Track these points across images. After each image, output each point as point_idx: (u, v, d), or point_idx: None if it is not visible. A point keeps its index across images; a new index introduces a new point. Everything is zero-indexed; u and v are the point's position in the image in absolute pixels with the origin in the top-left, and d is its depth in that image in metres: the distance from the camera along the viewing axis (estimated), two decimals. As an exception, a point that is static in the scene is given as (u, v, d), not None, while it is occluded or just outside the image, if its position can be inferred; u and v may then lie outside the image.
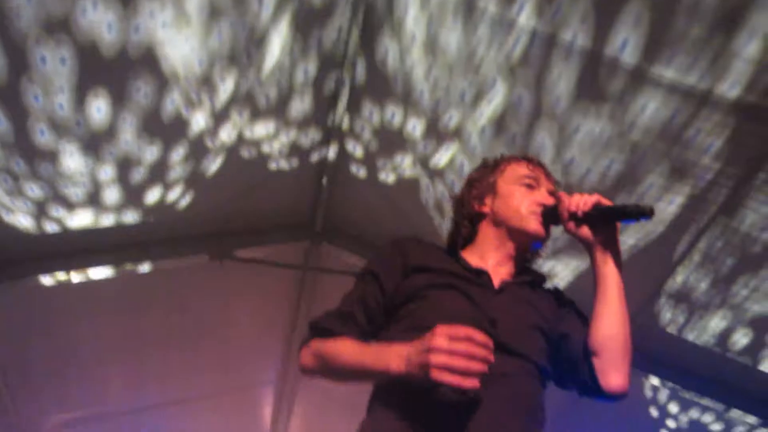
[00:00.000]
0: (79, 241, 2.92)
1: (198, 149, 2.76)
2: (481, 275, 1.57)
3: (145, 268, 3.26)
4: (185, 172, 2.84)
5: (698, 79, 2.16)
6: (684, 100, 2.24)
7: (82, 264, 3.06)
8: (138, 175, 2.72)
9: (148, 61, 2.30)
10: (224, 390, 4.39)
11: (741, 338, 2.85)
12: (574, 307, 1.63)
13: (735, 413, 3.17)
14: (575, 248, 2.87)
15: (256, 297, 3.81)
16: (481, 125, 2.68)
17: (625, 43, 2.18)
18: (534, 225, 1.60)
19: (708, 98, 2.19)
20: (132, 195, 2.80)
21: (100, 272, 3.14)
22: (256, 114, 2.77)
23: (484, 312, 1.46)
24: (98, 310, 3.33)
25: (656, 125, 2.35)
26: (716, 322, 2.85)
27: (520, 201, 1.64)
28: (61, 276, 3.04)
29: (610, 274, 1.49)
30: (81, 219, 2.80)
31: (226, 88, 2.58)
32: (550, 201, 1.62)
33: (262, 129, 2.86)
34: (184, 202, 3.00)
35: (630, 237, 2.70)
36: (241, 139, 2.85)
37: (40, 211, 2.66)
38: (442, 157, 2.91)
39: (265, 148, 2.97)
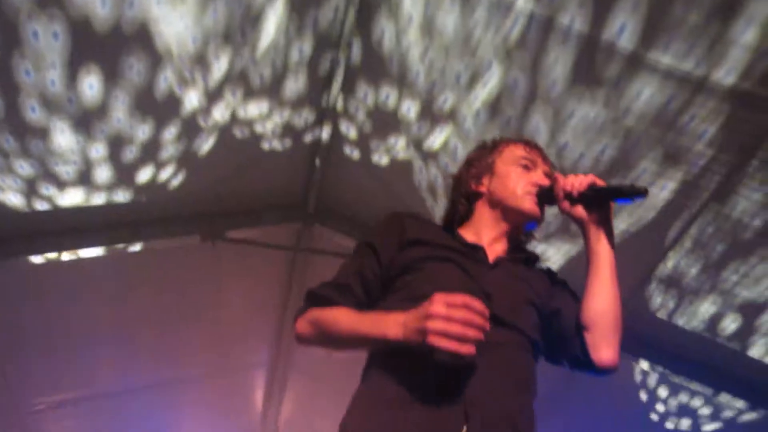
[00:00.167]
0: (69, 219, 2.90)
1: (190, 128, 2.74)
2: (477, 250, 1.59)
3: (136, 247, 3.24)
4: (177, 152, 2.82)
5: (694, 66, 2.17)
6: (679, 86, 2.24)
7: (73, 243, 3.04)
8: (130, 153, 2.69)
9: (142, 37, 2.27)
10: (216, 371, 4.39)
11: (730, 324, 2.88)
12: (566, 285, 1.66)
13: (724, 397, 3.21)
14: (567, 233, 2.88)
15: (247, 278, 3.80)
16: (476, 108, 2.67)
17: (623, 28, 2.17)
18: (529, 204, 1.62)
19: (703, 85, 2.20)
20: (123, 174, 2.78)
21: (90, 251, 3.12)
22: (250, 93, 2.75)
23: (479, 285, 1.47)
24: (89, 290, 3.31)
25: (651, 111, 2.36)
26: (706, 308, 2.88)
27: (516, 181, 1.65)
28: (51, 255, 3.02)
29: (603, 251, 1.52)
30: (72, 197, 2.77)
31: (220, 66, 2.55)
32: (545, 182, 1.64)
33: (255, 109, 2.84)
34: (176, 182, 2.98)
35: (622, 222, 2.71)
36: (234, 119, 2.83)
37: (30, 189, 2.64)
38: (436, 140, 2.90)
39: (259, 128, 2.95)
